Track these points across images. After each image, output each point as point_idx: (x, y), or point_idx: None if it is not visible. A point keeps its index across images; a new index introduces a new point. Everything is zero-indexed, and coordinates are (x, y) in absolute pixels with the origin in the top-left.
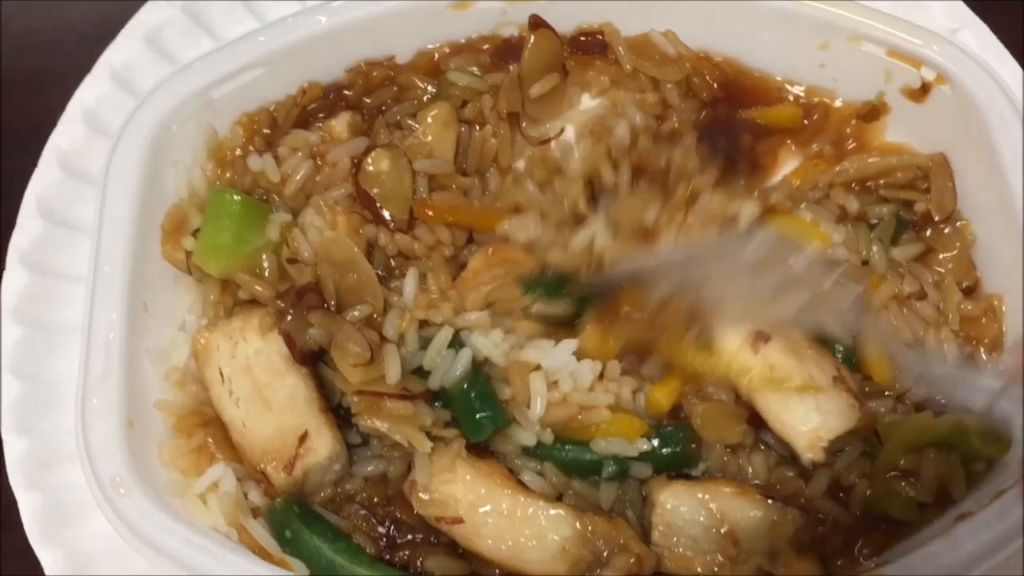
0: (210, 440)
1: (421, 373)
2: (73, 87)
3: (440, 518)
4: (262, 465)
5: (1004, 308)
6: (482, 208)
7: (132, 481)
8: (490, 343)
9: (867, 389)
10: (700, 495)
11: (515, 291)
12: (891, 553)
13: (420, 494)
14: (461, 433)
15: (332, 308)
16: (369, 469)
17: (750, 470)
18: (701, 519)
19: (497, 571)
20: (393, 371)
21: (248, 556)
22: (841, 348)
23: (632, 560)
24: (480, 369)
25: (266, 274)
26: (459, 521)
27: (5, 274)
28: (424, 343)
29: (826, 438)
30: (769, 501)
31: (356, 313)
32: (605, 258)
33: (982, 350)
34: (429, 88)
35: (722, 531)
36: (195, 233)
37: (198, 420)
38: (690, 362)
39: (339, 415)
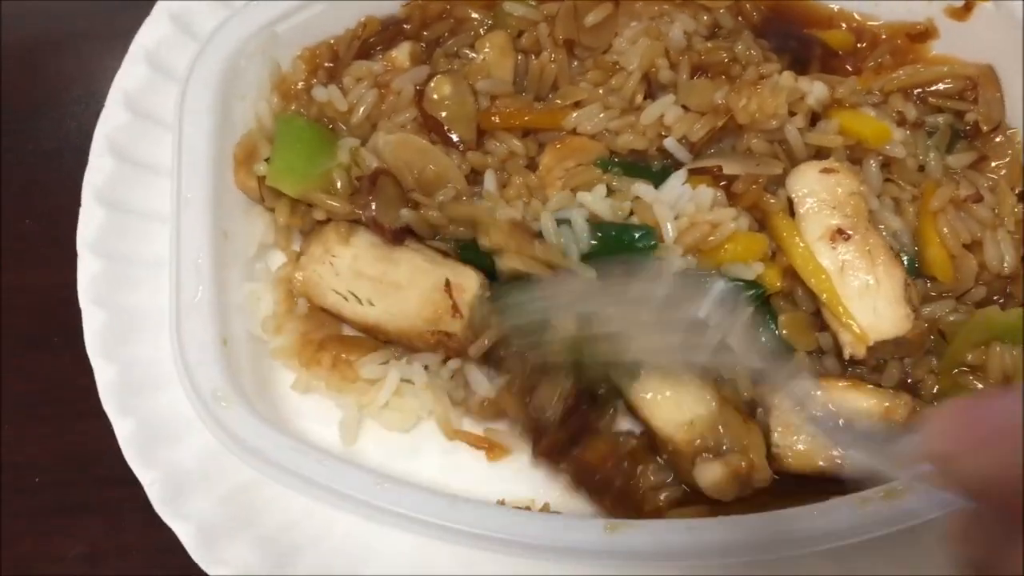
0: (343, 355)
1: None
2: (87, 54)
3: None
4: (434, 328)
5: None
6: (546, 107)
7: (233, 394)
8: (599, 205)
9: (931, 292)
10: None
11: (592, 173)
12: None
13: None
14: None
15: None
16: None
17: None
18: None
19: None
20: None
21: (349, 463)
22: (906, 257)
23: (744, 464)
24: None
25: (339, 190)
26: None
27: (82, 211)
28: None
29: (873, 338)
30: (880, 388)
31: (442, 197)
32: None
33: None
34: (485, 20)
35: (839, 424)
36: (266, 160)
37: (313, 347)
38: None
39: None
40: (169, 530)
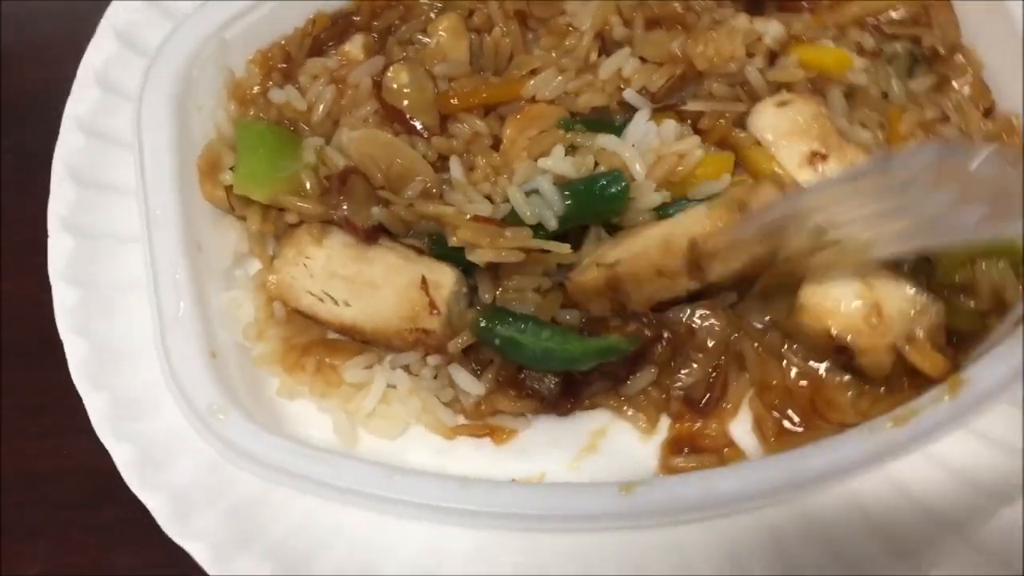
0: (327, 360)
1: None
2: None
3: None
4: (412, 326)
5: (1021, 124)
6: (503, 81)
7: (229, 405)
8: (561, 166)
9: None
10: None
11: (555, 136)
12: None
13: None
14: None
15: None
16: None
17: None
18: (852, 287)
19: None
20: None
21: (356, 459)
22: None
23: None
24: None
25: (308, 192)
26: None
27: (50, 241)
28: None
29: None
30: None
31: (410, 192)
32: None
33: None
34: (435, 3)
35: (869, 301)
36: (231, 169)
37: (297, 352)
38: None
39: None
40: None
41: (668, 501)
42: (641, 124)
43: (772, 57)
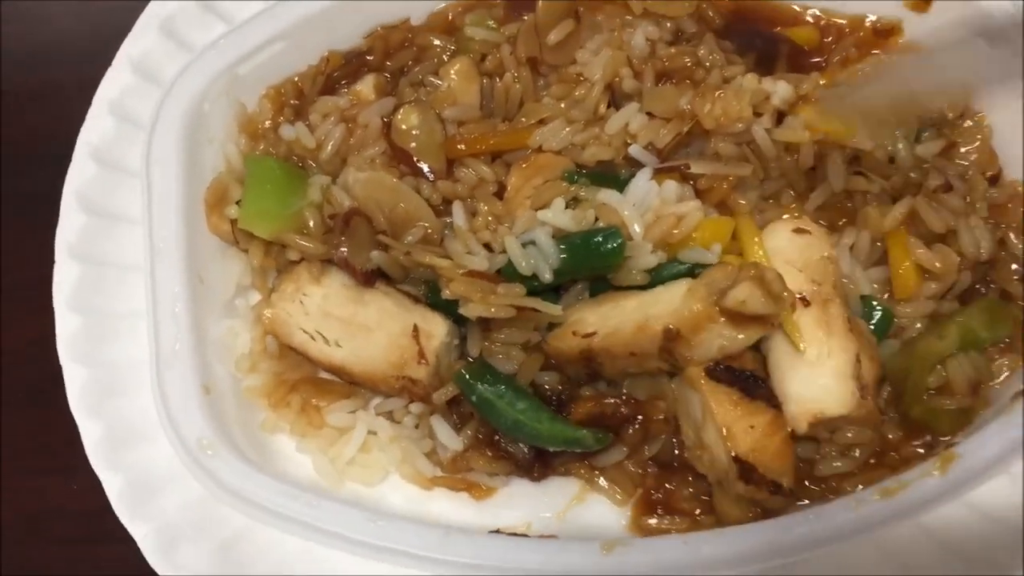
0: (312, 400)
1: None
2: (65, 103)
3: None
4: (399, 373)
5: None
6: (510, 129)
7: (219, 442)
8: (560, 219)
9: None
10: None
11: (559, 187)
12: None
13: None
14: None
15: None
16: None
17: None
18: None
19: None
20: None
21: (338, 500)
22: (880, 309)
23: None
24: None
25: (311, 230)
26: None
27: (56, 268)
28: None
29: (814, 415)
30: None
31: (410, 238)
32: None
33: (1011, 234)
34: (448, 46)
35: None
36: (238, 203)
37: (285, 389)
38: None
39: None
40: None
41: (650, 562)
42: (643, 183)
43: (779, 116)
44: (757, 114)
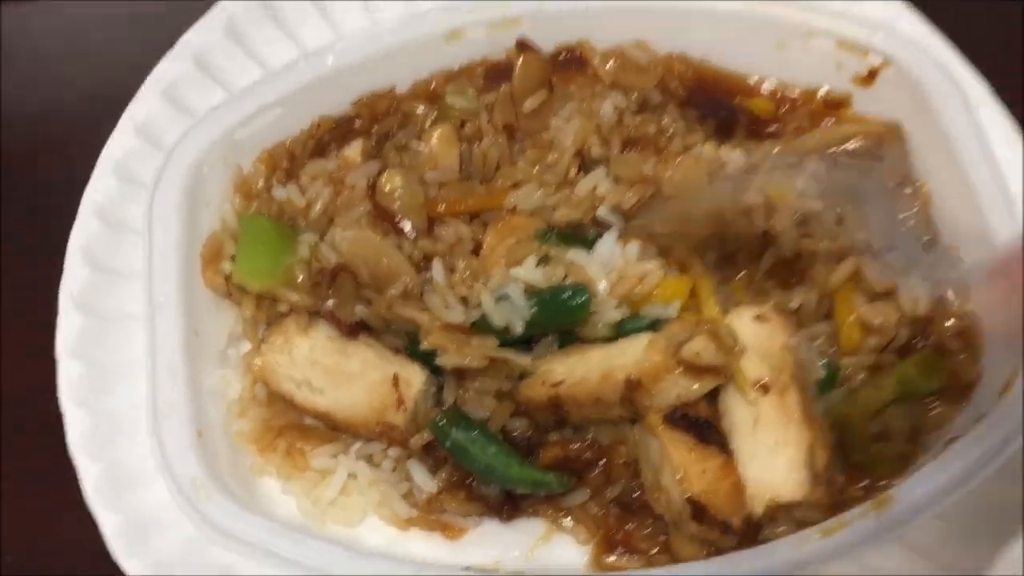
0: (297, 444)
1: None
2: (67, 163)
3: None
4: (379, 419)
5: (961, 255)
6: (487, 191)
7: (211, 484)
8: (532, 275)
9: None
10: None
11: (531, 247)
12: None
13: None
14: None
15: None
16: None
17: None
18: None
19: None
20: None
21: (329, 540)
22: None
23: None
24: None
25: (299, 284)
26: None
27: (59, 318)
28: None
29: (770, 500)
30: None
31: (392, 292)
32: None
33: (949, 292)
34: (430, 113)
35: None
36: (232, 259)
37: (273, 434)
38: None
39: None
40: None
41: None
42: (609, 244)
43: None
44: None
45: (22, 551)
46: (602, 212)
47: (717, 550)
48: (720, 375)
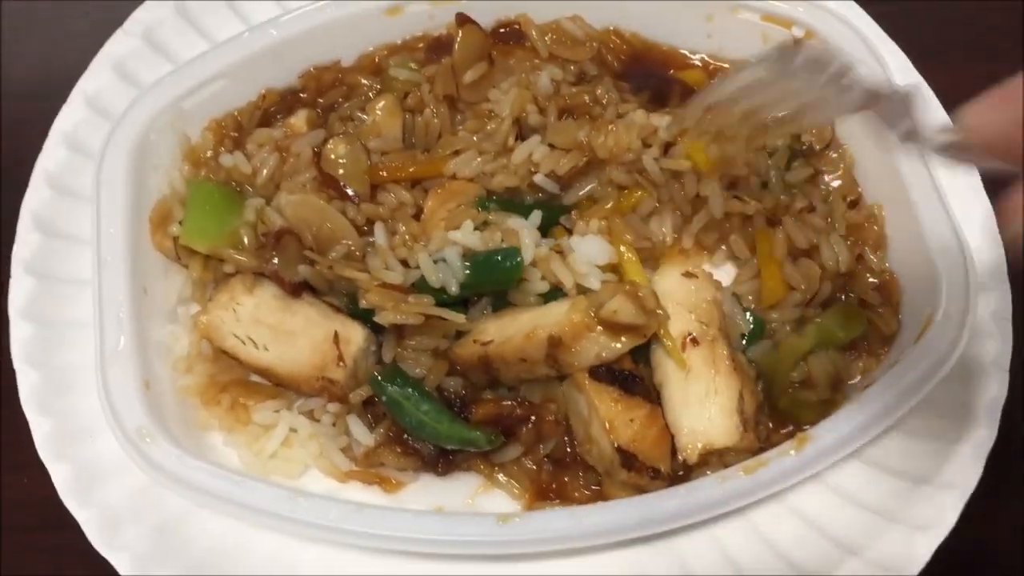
0: (241, 399)
1: None
2: (22, 138)
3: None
4: (319, 375)
5: (884, 214)
6: (428, 158)
7: (157, 431)
8: (469, 239)
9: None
10: None
11: (470, 212)
12: None
13: None
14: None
15: (313, 251)
16: None
17: None
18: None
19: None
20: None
21: (269, 482)
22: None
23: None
24: None
25: (245, 246)
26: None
27: (12, 282)
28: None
29: (703, 446)
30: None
31: (334, 254)
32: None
33: (867, 249)
34: (374, 85)
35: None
36: (180, 223)
37: (217, 389)
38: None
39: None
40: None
41: (539, 532)
42: (538, 217)
43: (667, 148)
44: (647, 146)
45: None
46: (538, 179)
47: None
48: (640, 333)
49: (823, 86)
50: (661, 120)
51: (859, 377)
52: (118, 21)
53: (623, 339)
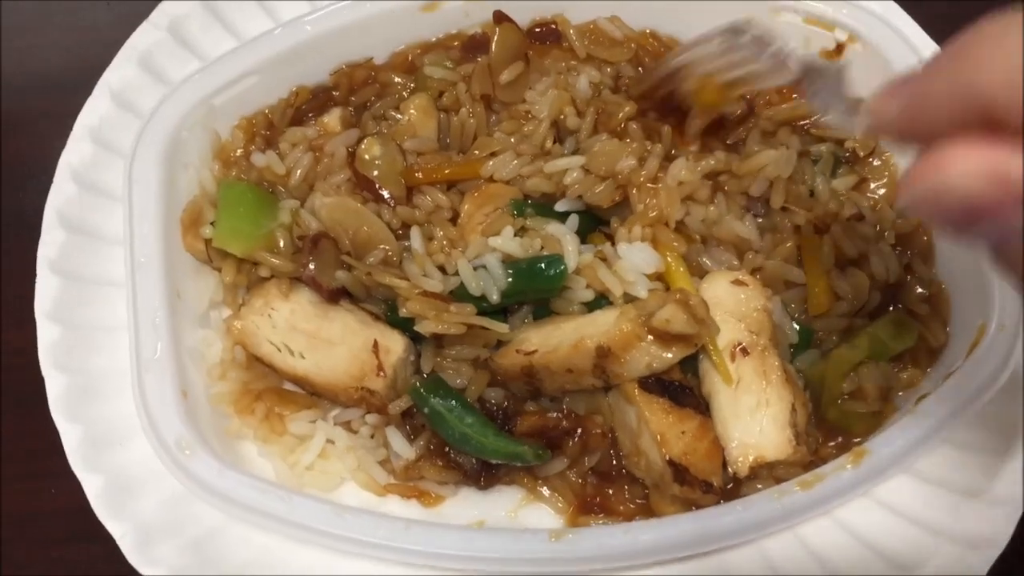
0: (276, 409)
1: None
2: (42, 133)
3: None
4: (358, 385)
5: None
6: (464, 160)
7: (196, 442)
8: (509, 245)
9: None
10: None
11: (508, 218)
12: None
13: None
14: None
15: (350, 255)
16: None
17: None
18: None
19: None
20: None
21: (313, 497)
22: (798, 328)
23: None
24: None
25: (281, 249)
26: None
27: (38, 282)
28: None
29: (754, 459)
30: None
31: (372, 259)
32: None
33: (916, 259)
34: (408, 83)
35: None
36: (212, 224)
37: (251, 397)
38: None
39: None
40: None
41: (594, 549)
42: (576, 222)
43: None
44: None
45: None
46: (567, 203)
47: (697, 508)
48: (691, 343)
49: (764, 60)
50: (698, 170)
51: (908, 389)
52: (143, 13)
53: (674, 349)
